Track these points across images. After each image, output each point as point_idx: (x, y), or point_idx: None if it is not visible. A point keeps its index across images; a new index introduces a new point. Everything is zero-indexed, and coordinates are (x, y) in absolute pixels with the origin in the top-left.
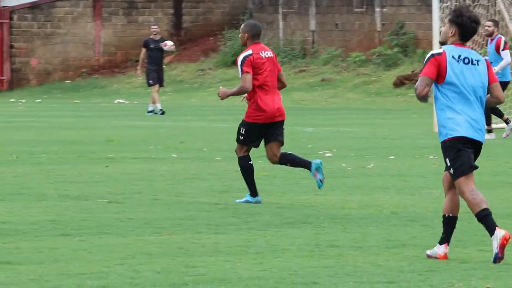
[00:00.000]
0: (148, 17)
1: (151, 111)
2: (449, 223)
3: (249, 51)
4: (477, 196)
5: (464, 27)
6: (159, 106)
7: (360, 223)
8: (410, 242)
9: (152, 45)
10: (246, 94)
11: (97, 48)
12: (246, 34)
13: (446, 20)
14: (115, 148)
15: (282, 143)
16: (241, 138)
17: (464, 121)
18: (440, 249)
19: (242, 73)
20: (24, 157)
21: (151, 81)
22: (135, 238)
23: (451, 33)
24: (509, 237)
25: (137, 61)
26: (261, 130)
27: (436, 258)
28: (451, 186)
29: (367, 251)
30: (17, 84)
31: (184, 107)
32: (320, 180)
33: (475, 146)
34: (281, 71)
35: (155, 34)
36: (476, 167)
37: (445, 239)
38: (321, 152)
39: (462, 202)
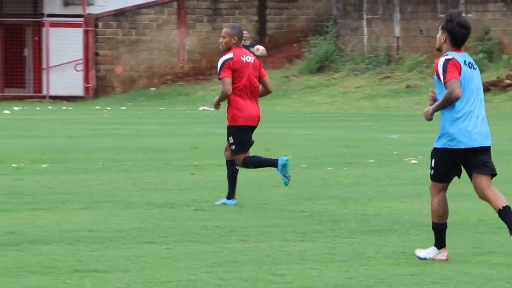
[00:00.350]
0: (233, 24)
1: None
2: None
3: (230, 55)
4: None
5: (454, 32)
6: None
7: (446, 230)
8: (498, 250)
9: None
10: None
11: (182, 55)
12: (235, 38)
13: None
14: (200, 155)
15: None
16: (233, 147)
17: (468, 131)
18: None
19: (220, 77)
20: (109, 164)
21: None
22: (221, 245)
23: (443, 39)
24: None
25: None
26: (247, 132)
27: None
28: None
29: (453, 258)
30: (102, 92)
31: (268, 114)
32: (286, 177)
33: (481, 150)
34: (266, 76)
35: (245, 40)
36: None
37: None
38: (406, 159)
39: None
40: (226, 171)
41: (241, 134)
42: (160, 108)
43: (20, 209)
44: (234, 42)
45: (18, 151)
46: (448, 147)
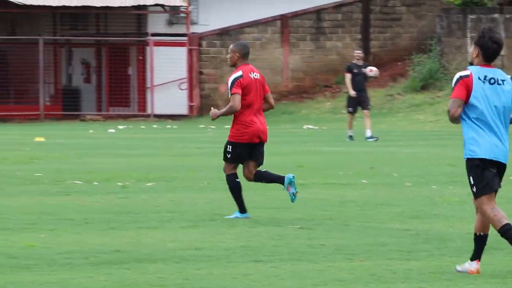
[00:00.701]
0: (336, 42)
1: (370, 137)
2: (480, 241)
3: (240, 73)
4: (498, 213)
5: (486, 48)
6: (350, 132)
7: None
8: None
9: (355, 70)
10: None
11: (285, 74)
12: (237, 54)
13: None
14: (305, 174)
15: (261, 164)
16: (228, 156)
17: (486, 142)
18: (472, 265)
19: (231, 94)
20: (215, 183)
21: (350, 109)
22: (327, 264)
23: (475, 54)
24: None
25: (326, 86)
26: (246, 148)
27: (467, 273)
28: None
29: None
30: (207, 110)
31: (373, 132)
32: (293, 194)
33: (499, 167)
34: (268, 92)
35: (358, 59)
36: (497, 188)
37: (476, 255)
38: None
39: None
40: (228, 186)
41: (237, 149)
42: None
43: (126, 228)
44: (237, 58)
45: (123, 169)
46: (470, 156)
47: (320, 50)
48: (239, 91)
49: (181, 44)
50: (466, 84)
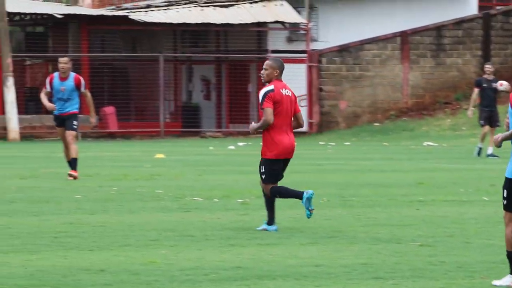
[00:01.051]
0: (456, 59)
1: (491, 155)
2: None
3: (271, 87)
4: None
5: None
6: (479, 144)
7: None
8: None
9: (485, 85)
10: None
11: (405, 91)
12: (277, 71)
13: None
14: (426, 191)
15: (280, 179)
16: (263, 177)
17: None
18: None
19: (263, 106)
20: (334, 200)
21: (482, 122)
22: (448, 281)
23: None
24: None
25: (446, 103)
26: (279, 165)
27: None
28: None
29: None
30: (326, 127)
31: (493, 149)
32: (309, 210)
33: None
34: (299, 112)
35: (488, 74)
36: None
37: None
38: None
39: None
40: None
41: (273, 166)
42: (384, 144)
43: (246, 244)
44: (276, 74)
45: (243, 186)
46: None
47: (440, 67)
48: (271, 105)
49: (300, 61)
50: None
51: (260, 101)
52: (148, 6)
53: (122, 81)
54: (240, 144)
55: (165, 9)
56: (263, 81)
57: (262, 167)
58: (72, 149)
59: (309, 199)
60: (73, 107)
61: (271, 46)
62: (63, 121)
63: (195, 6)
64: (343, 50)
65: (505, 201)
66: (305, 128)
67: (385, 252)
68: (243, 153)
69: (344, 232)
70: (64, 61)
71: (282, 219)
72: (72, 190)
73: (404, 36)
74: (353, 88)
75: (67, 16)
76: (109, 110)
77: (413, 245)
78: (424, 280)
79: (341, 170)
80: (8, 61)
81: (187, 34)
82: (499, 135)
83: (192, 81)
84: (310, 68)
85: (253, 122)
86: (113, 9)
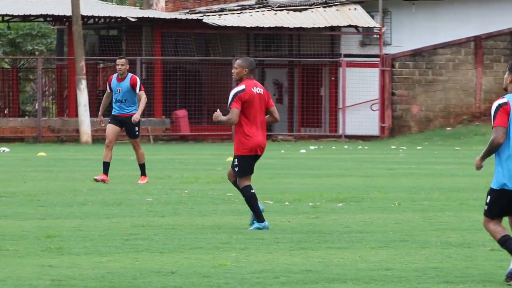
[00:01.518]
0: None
1: None
2: None
3: (242, 87)
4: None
5: None
6: None
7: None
8: None
9: None
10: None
11: (478, 95)
12: (246, 69)
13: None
14: None
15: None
16: (237, 170)
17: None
18: None
19: (230, 107)
20: (406, 204)
21: None
22: None
23: (509, 80)
24: None
25: None
26: (251, 160)
27: None
28: None
29: None
30: (398, 131)
31: None
32: (251, 225)
33: None
34: (272, 106)
35: None
36: None
37: None
38: None
39: None
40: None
41: (246, 161)
42: (456, 148)
43: (317, 248)
44: (245, 73)
45: (314, 190)
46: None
47: None
48: (239, 105)
49: (373, 65)
50: (506, 111)
51: (229, 101)
52: (222, 10)
53: (195, 84)
54: (312, 148)
55: (238, 13)
56: (234, 80)
57: (236, 160)
58: (139, 155)
59: (258, 228)
60: (131, 109)
61: (344, 50)
62: (120, 122)
63: (269, 10)
64: (416, 54)
65: (486, 207)
66: (376, 132)
67: (456, 257)
68: (314, 157)
69: (415, 236)
70: (121, 62)
71: (353, 223)
72: (143, 192)
73: (478, 41)
74: (425, 92)
75: (141, 20)
76: (181, 113)
77: (483, 249)
78: (494, 285)
79: (412, 174)
80: (82, 64)
81: (260, 37)
82: (478, 157)
83: (265, 85)
84: (382, 72)
85: (218, 110)
86: (186, 12)
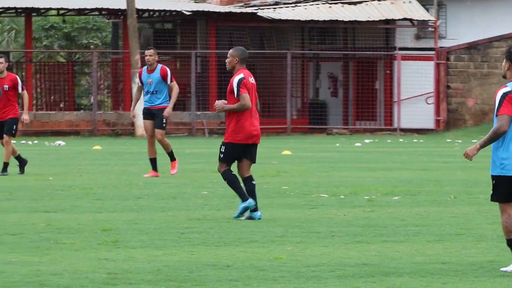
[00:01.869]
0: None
1: None
2: None
3: (242, 75)
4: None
5: None
6: None
7: None
8: None
9: None
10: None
11: None
12: (236, 58)
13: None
14: None
15: (254, 162)
16: (222, 156)
17: None
18: None
19: (240, 93)
20: (461, 197)
21: None
22: None
23: (507, 67)
24: None
25: None
26: (240, 149)
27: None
28: None
29: None
30: (453, 125)
31: None
32: (238, 215)
33: None
34: (257, 98)
35: None
36: None
37: None
38: None
39: None
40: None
41: (232, 150)
42: None
43: (372, 241)
44: (236, 62)
45: (369, 183)
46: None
47: None
48: (246, 90)
49: (428, 59)
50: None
51: (235, 89)
52: (276, 3)
53: None
54: (367, 141)
55: (293, 6)
56: (227, 69)
57: (223, 147)
58: (164, 146)
59: (246, 207)
60: (162, 101)
61: (398, 43)
62: (152, 115)
63: (323, 3)
64: (471, 47)
65: (492, 191)
66: (432, 125)
67: None
68: (370, 150)
69: (471, 230)
70: (149, 53)
71: (408, 216)
72: (199, 186)
73: None
74: (481, 85)
75: (196, 13)
76: None
77: None
78: None
79: (468, 167)
80: (137, 57)
81: (315, 31)
82: (473, 146)
83: (319, 78)
84: (438, 65)
85: (221, 101)
86: (241, 6)
